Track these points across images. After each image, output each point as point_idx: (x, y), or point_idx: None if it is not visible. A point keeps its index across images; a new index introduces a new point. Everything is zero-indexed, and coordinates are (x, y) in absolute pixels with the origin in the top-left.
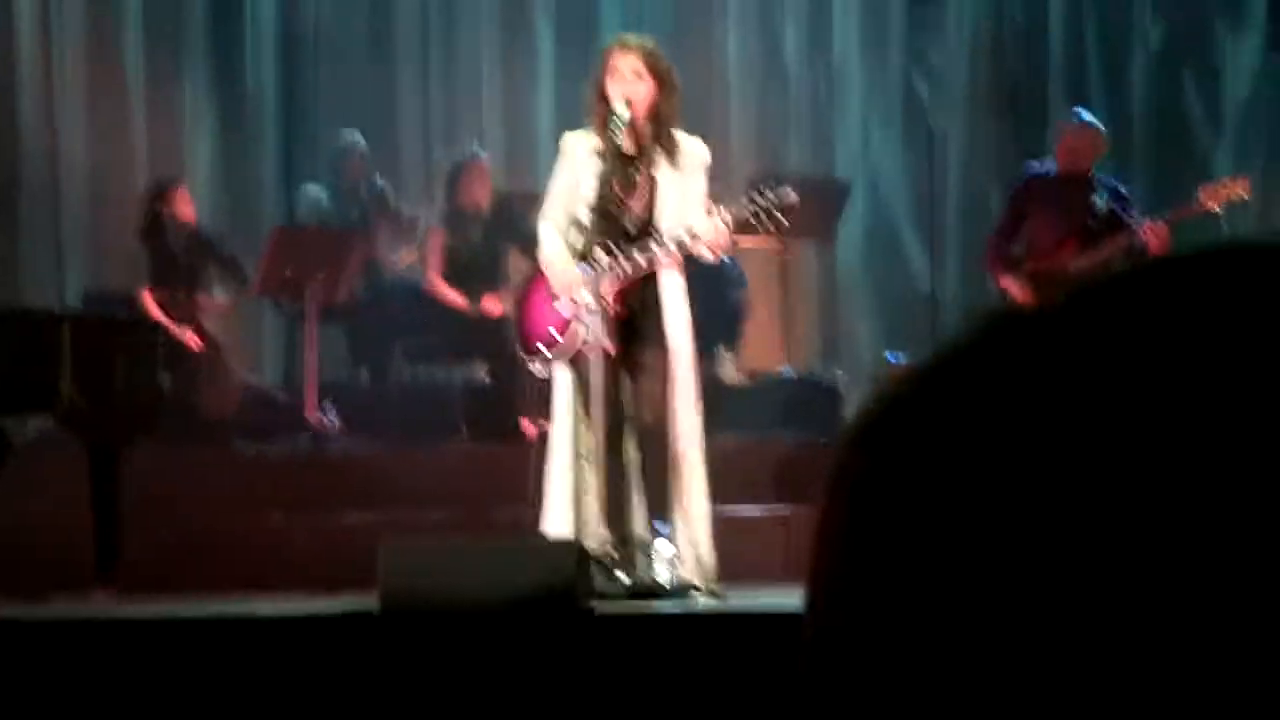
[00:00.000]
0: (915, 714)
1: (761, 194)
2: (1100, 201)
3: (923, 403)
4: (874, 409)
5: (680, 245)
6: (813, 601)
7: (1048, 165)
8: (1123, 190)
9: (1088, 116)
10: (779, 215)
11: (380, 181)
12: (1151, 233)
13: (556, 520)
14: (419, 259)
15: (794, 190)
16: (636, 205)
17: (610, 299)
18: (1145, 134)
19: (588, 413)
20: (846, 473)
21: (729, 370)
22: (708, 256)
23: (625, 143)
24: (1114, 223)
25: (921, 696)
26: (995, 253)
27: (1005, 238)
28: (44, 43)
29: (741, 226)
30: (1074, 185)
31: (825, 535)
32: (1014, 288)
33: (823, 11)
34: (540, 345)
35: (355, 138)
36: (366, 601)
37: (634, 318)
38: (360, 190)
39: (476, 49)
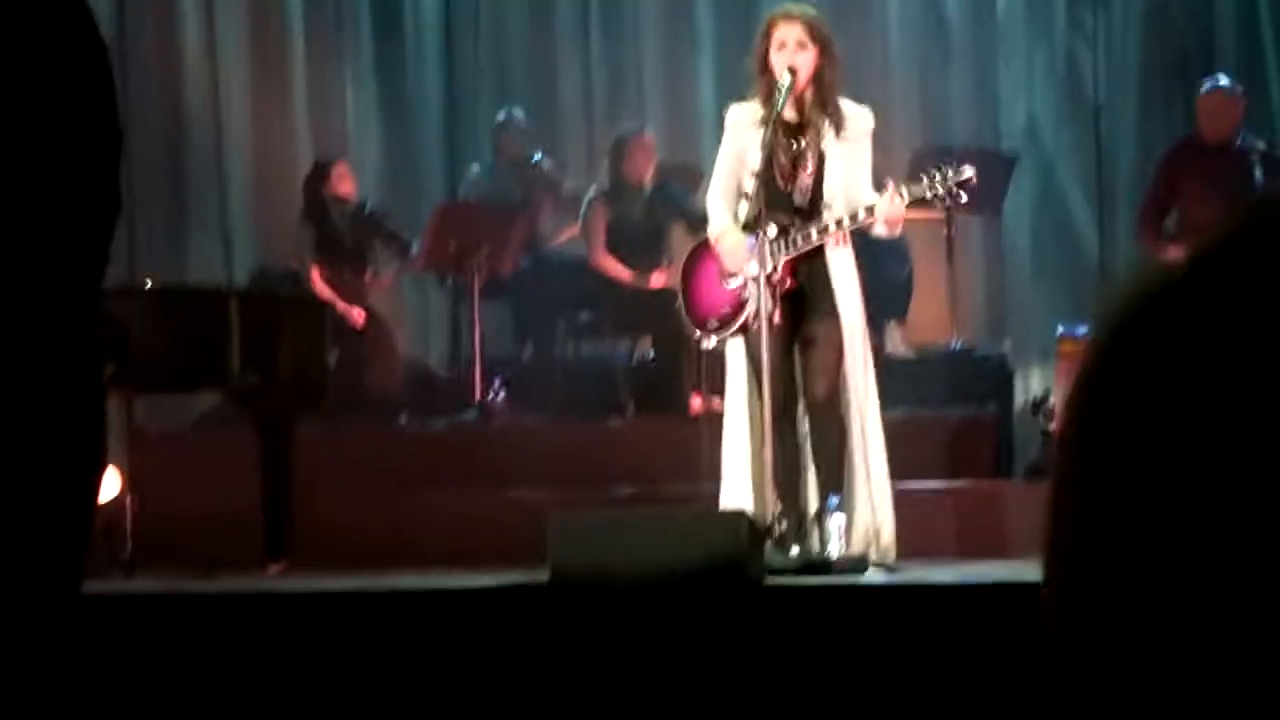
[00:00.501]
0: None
1: (940, 170)
2: (1260, 175)
3: (1181, 301)
4: (1129, 305)
5: (855, 220)
6: (1055, 512)
7: (1191, 135)
8: (1275, 150)
9: (1223, 81)
10: (959, 192)
11: (541, 156)
12: None
13: (734, 494)
14: (582, 234)
15: (972, 168)
16: (804, 176)
17: (781, 272)
18: None
19: (760, 386)
20: (1096, 370)
21: (897, 344)
22: (883, 232)
23: (790, 113)
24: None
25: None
26: (1148, 225)
27: (1156, 209)
28: (208, 25)
29: (918, 202)
30: (1224, 155)
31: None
32: (1172, 259)
33: None
34: (711, 319)
35: (516, 113)
36: (536, 576)
37: (804, 291)
38: (522, 166)
39: (637, 23)
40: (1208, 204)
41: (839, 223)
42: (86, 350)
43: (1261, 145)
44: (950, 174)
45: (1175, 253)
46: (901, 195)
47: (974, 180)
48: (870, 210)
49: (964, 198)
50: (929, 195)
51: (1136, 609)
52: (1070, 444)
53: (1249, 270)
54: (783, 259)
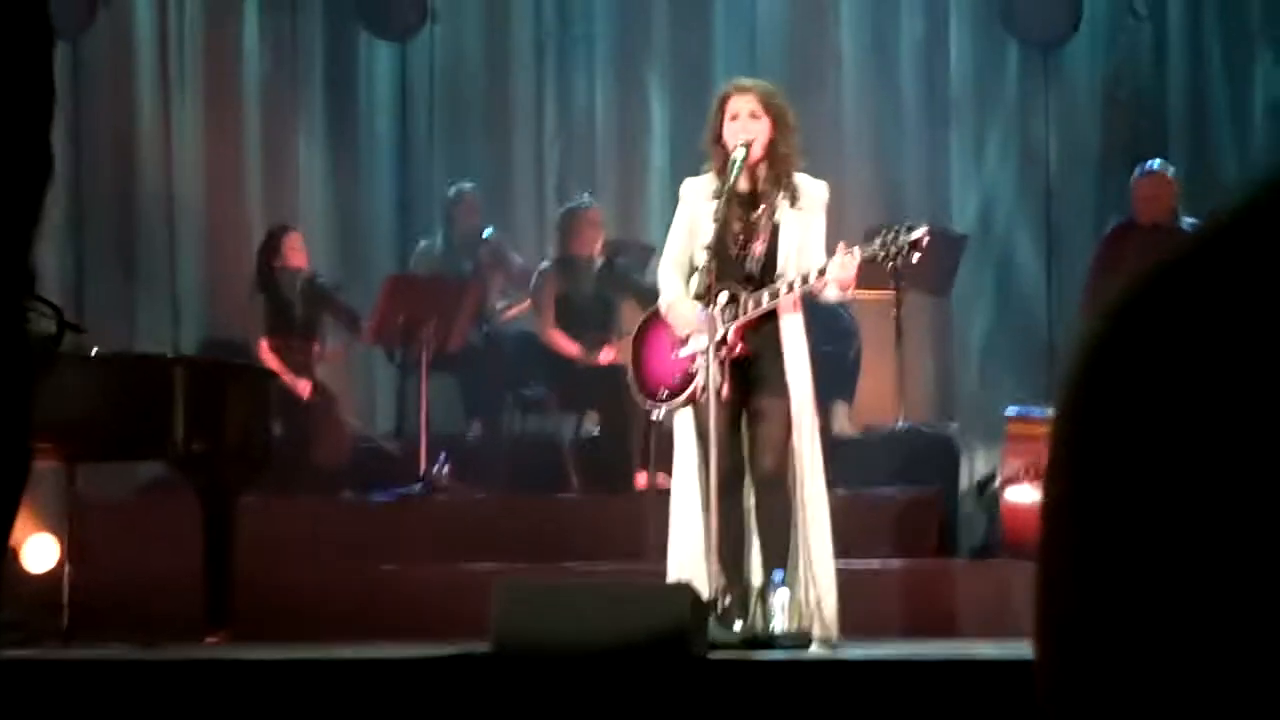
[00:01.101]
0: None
1: (894, 231)
2: None
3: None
4: (1131, 292)
5: (806, 282)
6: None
7: (1129, 218)
8: None
9: (1156, 164)
10: (909, 251)
11: (492, 231)
12: None
13: (681, 567)
14: (532, 308)
15: (924, 228)
16: (757, 247)
17: (732, 338)
18: None
19: (706, 458)
20: (1100, 352)
21: (844, 423)
22: (834, 296)
23: (744, 184)
24: None
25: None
26: (1090, 310)
27: (1096, 293)
28: (163, 92)
29: (870, 265)
30: (1161, 236)
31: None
32: None
33: (939, 61)
34: (661, 390)
35: (467, 187)
36: (480, 647)
37: (755, 362)
38: (472, 239)
39: (590, 98)
40: None
41: (790, 286)
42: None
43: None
44: (902, 234)
45: None
46: (852, 254)
47: (926, 240)
48: (821, 272)
49: (915, 257)
50: (880, 255)
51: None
52: (1068, 436)
53: (1255, 250)
54: (734, 325)
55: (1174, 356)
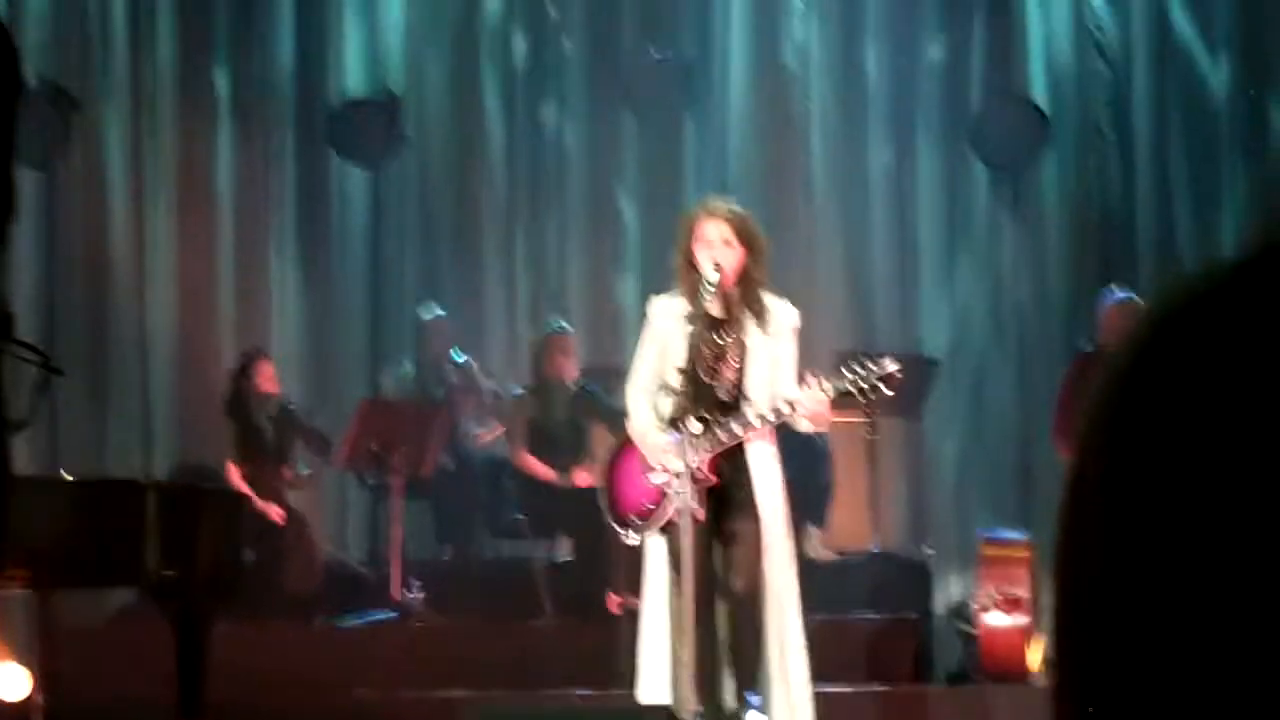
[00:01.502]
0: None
1: (862, 364)
2: None
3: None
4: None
5: (778, 414)
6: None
7: (1097, 345)
8: None
9: (1122, 293)
10: (880, 386)
11: (463, 356)
12: None
13: (651, 690)
14: (505, 433)
15: (895, 363)
16: (727, 371)
17: (703, 467)
18: None
19: (679, 582)
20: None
21: (817, 548)
22: (806, 427)
23: (715, 308)
24: None
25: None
26: (1060, 435)
27: (1067, 419)
28: (135, 216)
29: (841, 397)
30: None
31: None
32: None
33: (907, 186)
34: (633, 515)
35: (438, 312)
36: None
37: (726, 486)
38: (443, 365)
39: (562, 223)
40: None
41: (761, 418)
42: None
43: None
44: (873, 367)
45: None
46: (824, 389)
47: (897, 375)
48: (792, 404)
49: (888, 392)
50: (852, 389)
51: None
52: (1094, 456)
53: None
54: (705, 455)
55: (1207, 371)
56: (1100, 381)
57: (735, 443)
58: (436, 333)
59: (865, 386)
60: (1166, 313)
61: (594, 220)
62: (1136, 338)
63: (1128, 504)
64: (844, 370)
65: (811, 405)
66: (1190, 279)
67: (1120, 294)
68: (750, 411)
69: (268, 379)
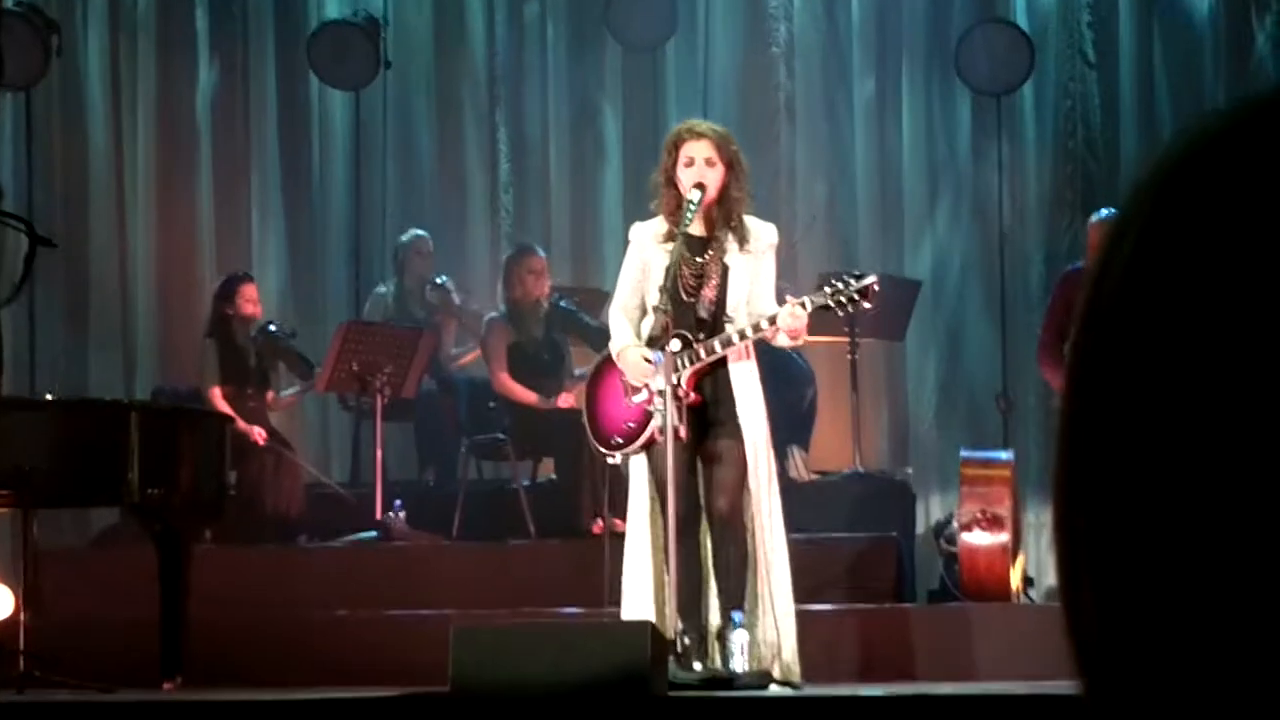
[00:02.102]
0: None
1: (841, 279)
2: None
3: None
4: (1175, 157)
5: (758, 331)
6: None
7: (1086, 264)
8: None
9: (1109, 212)
10: (860, 300)
11: (443, 279)
12: None
13: (636, 611)
14: (483, 356)
15: (874, 276)
16: (708, 291)
17: (685, 386)
18: None
19: (663, 502)
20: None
21: (799, 468)
22: (784, 342)
23: (696, 227)
24: None
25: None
26: (1047, 355)
27: (1055, 335)
28: (115, 141)
29: (821, 312)
30: None
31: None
32: None
33: (891, 111)
34: (616, 436)
35: (419, 234)
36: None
37: (708, 406)
38: (424, 287)
39: (544, 146)
40: None
41: (741, 334)
42: None
43: None
44: (853, 281)
45: None
46: (804, 305)
47: (876, 287)
48: (772, 320)
49: (866, 305)
50: (831, 303)
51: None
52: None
53: None
54: (686, 373)
55: (1216, 225)
56: (1121, 217)
57: (715, 359)
58: (417, 254)
59: (844, 300)
60: (1193, 142)
61: (576, 144)
62: (1159, 173)
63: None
64: (824, 285)
65: (790, 321)
66: (1213, 115)
67: (1107, 212)
68: (731, 328)
69: (250, 301)
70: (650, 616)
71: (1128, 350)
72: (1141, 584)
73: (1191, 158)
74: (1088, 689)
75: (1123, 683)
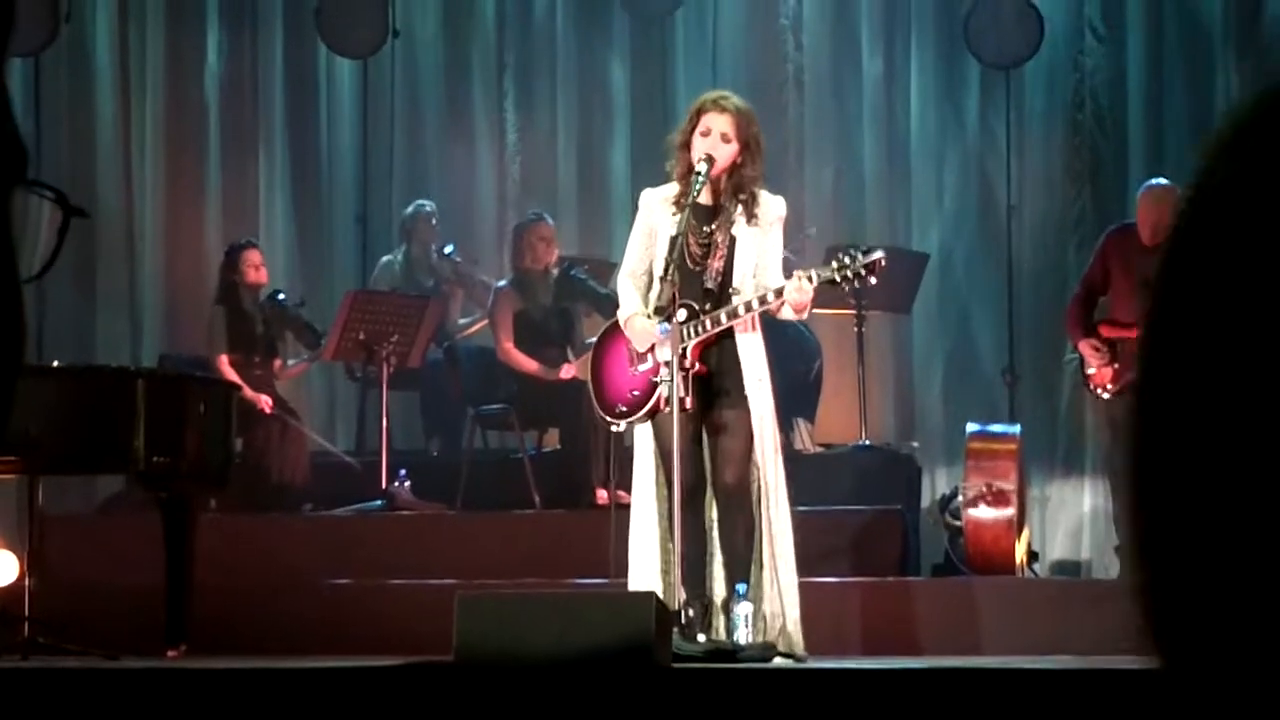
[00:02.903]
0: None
1: (849, 253)
2: None
3: None
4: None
5: (764, 303)
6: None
7: (1130, 225)
8: None
9: (1164, 180)
10: (867, 275)
11: (450, 248)
12: None
13: (641, 582)
14: (489, 325)
15: (881, 251)
16: (714, 262)
17: (690, 356)
18: None
19: (668, 472)
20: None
21: (805, 441)
22: (790, 316)
23: (704, 197)
24: None
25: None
26: (1073, 313)
27: (1086, 297)
28: (123, 109)
29: (828, 286)
30: (1152, 253)
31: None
32: (1089, 352)
33: (899, 82)
34: (620, 404)
35: (426, 204)
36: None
37: (714, 377)
38: (430, 256)
39: (552, 115)
40: (1133, 304)
41: (748, 306)
42: None
43: None
44: (860, 256)
45: (1087, 348)
46: (810, 279)
47: (883, 262)
48: (779, 293)
49: (873, 280)
50: (838, 278)
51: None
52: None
53: None
54: (692, 343)
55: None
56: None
57: (720, 330)
58: (424, 223)
59: (850, 274)
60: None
61: (584, 113)
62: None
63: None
64: (833, 260)
65: (797, 297)
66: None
67: (1158, 181)
68: (738, 300)
69: (254, 266)
70: (655, 587)
71: (1204, 314)
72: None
73: (1264, 119)
74: (1164, 664)
75: (1200, 659)
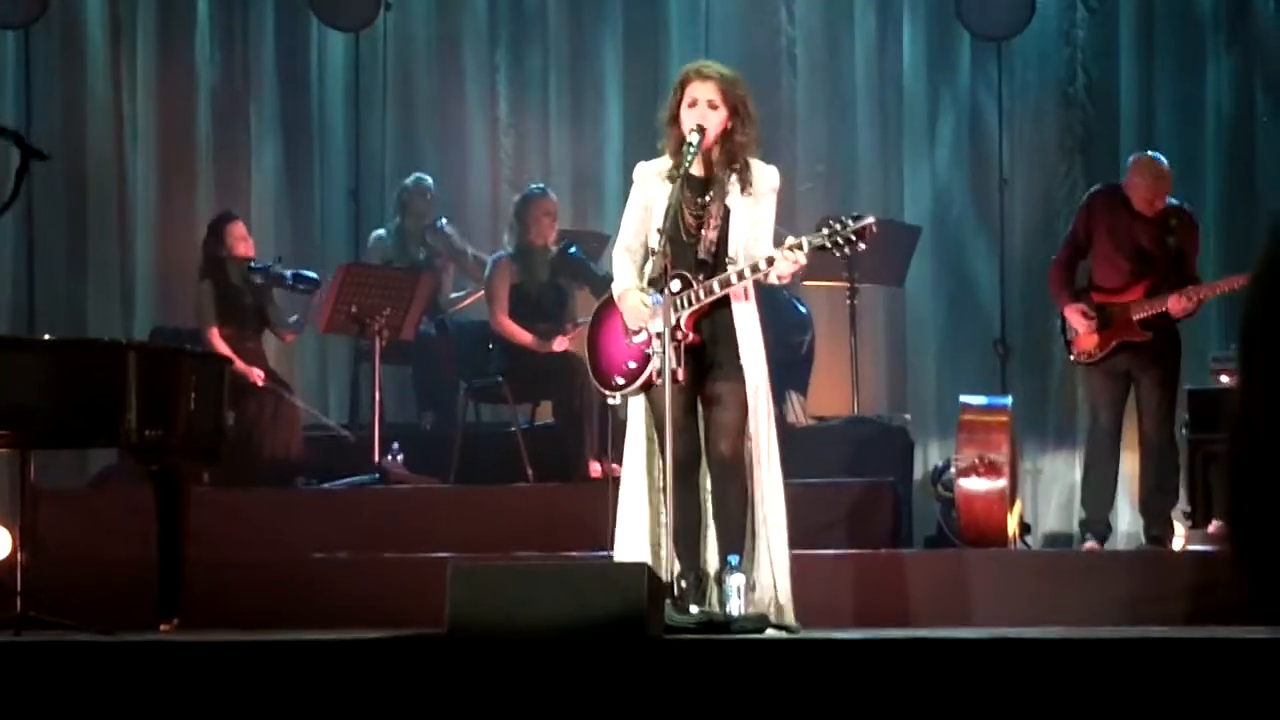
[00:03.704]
0: None
1: (840, 220)
2: (1173, 241)
3: None
4: None
5: (755, 271)
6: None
7: (1116, 186)
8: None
9: (1154, 154)
10: (857, 241)
11: (444, 221)
12: (1226, 285)
13: (629, 553)
14: (485, 297)
15: (871, 217)
16: (708, 233)
17: (684, 327)
18: (1215, 187)
19: (662, 444)
20: None
21: (798, 413)
22: (776, 281)
23: (697, 169)
24: (1181, 266)
25: None
26: (1057, 275)
27: (1069, 260)
28: (114, 83)
29: (818, 252)
30: (1145, 221)
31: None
32: (1077, 318)
33: (890, 55)
34: (616, 376)
35: (421, 177)
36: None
37: (709, 348)
38: (425, 230)
39: (544, 89)
40: (1119, 269)
41: (740, 275)
42: None
43: (1174, 208)
44: (850, 223)
45: (1073, 313)
46: (801, 246)
47: (874, 228)
48: (770, 261)
49: (862, 246)
50: (828, 244)
51: None
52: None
53: None
54: (685, 313)
55: None
56: None
57: (713, 299)
58: (420, 196)
59: (841, 241)
60: None
61: (576, 86)
62: None
63: None
64: (824, 227)
65: (788, 267)
66: None
67: (1150, 154)
68: (731, 269)
69: (240, 239)
70: (645, 558)
71: None
72: None
73: None
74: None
75: None
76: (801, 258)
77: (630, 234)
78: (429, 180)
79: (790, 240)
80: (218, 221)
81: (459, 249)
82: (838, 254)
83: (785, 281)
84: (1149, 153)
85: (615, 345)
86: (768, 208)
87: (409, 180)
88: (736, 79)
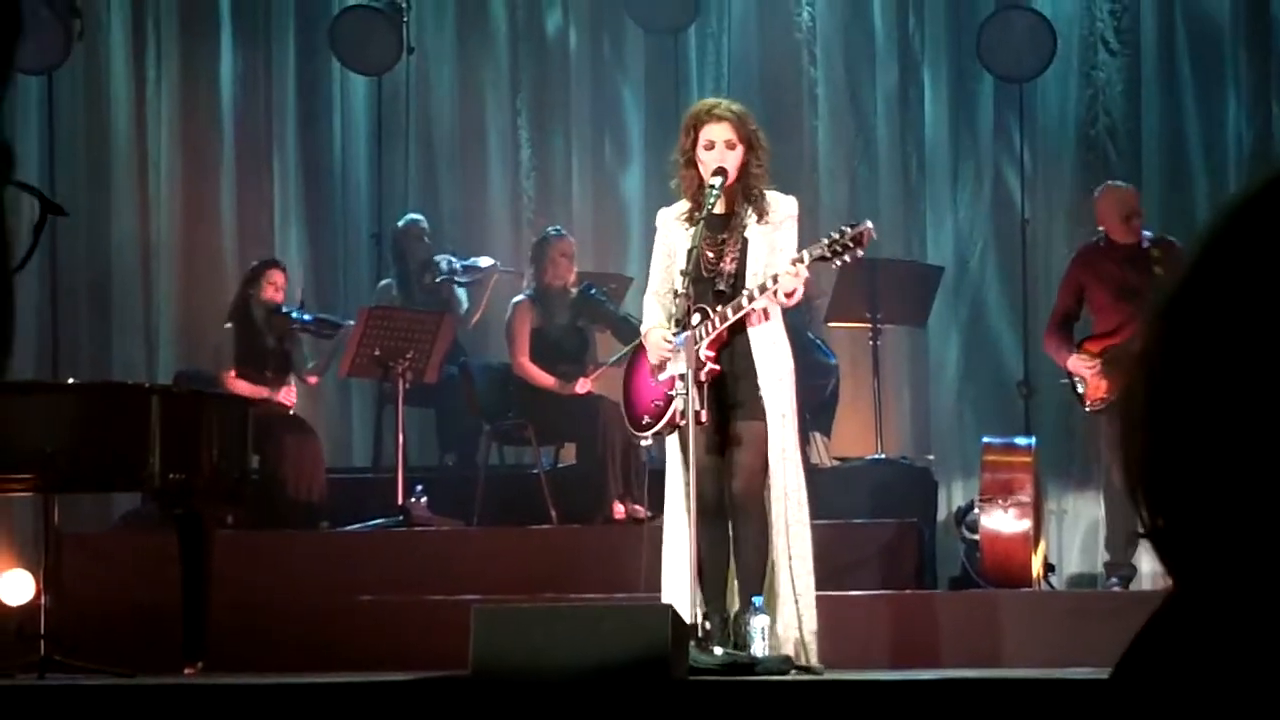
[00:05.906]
0: None
1: (839, 229)
2: (1160, 271)
3: None
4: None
5: (763, 290)
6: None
7: (1099, 239)
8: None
9: (1115, 181)
10: (855, 247)
11: (439, 258)
12: None
13: (674, 594)
14: (505, 338)
15: (869, 223)
16: (726, 264)
17: (706, 361)
18: None
19: (688, 484)
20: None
21: (822, 455)
22: (783, 302)
23: (718, 207)
24: None
25: None
26: (1051, 339)
27: (1061, 323)
28: (138, 127)
29: (820, 262)
30: (1130, 256)
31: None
32: (1078, 367)
33: (913, 97)
34: (646, 416)
35: (414, 219)
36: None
37: (731, 384)
38: (425, 276)
39: (567, 130)
40: (1116, 311)
41: (750, 296)
42: None
43: (1156, 239)
44: (848, 230)
45: (1076, 364)
46: (801, 259)
47: (872, 233)
48: (775, 279)
49: (860, 252)
50: (828, 253)
51: None
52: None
53: None
54: (704, 343)
55: None
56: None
57: (734, 327)
58: (413, 238)
59: (839, 248)
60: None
61: (597, 130)
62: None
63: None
64: (824, 238)
65: (792, 283)
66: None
67: (1111, 182)
68: (742, 295)
69: (274, 286)
70: (687, 600)
71: (1196, 344)
72: None
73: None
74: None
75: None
76: (803, 270)
77: (658, 280)
78: (421, 219)
79: (791, 255)
80: (261, 265)
81: (461, 283)
82: (839, 262)
83: (795, 301)
84: (1108, 182)
85: (644, 386)
86: (788, 234)
87: (400, 223)
88: (746, 113)
